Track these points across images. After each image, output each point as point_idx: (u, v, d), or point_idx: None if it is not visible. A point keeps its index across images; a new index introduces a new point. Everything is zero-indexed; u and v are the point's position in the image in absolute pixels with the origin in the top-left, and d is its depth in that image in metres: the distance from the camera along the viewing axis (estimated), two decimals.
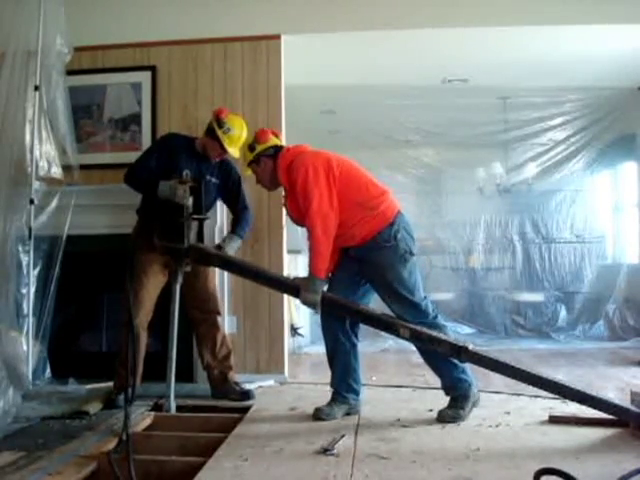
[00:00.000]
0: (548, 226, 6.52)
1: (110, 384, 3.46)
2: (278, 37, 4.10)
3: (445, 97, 5.66)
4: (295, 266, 5.15)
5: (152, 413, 3.05)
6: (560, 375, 3.83)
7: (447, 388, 2.96)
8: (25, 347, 3.51)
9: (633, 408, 2.58)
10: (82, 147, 4.07)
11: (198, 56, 4.15)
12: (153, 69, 4.15)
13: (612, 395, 3.22)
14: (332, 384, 3.04)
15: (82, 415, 3.02)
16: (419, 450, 2.41)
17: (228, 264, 3.23)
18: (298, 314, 5.46)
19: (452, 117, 5.95)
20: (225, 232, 3.99)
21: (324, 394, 3.11)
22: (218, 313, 3.55)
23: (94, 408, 3.12)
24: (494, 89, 5.66)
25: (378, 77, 5.22)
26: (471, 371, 2.95)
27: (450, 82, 5.43)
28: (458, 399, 2.90)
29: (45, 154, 3.67)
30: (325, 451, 2.38)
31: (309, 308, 3.06)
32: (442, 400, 2.96)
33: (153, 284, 3.34)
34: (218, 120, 3.32)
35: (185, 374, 3.77)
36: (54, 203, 3.77)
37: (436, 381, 3.07)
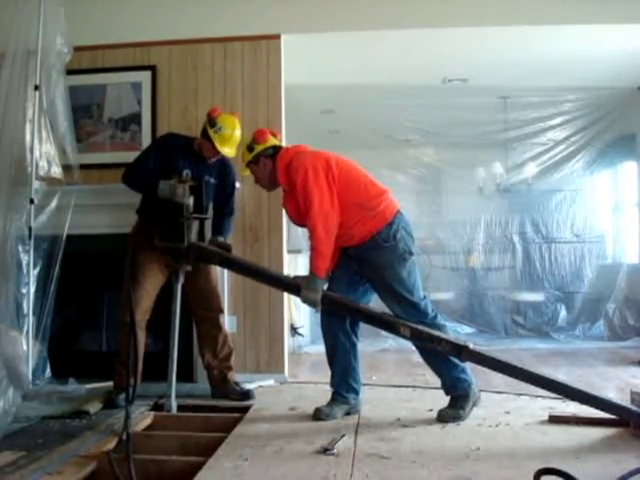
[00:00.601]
0: (548, 226, 6.51)
1: (110, 384, 3.47)
2: (278, 37, 4.10)
3: (445, 97, 5.66)
4: (295, 266, 5.15)
5: (152, 413, 3.05)
6: (560, 375, 3.83)
7: (447, 388, 2.96)
8: (25, 347, 3.51)
9: (633, 408, 2.59)
10: (82, 147, 4.07)
11: (198, 56, 4.15)
12: (153, 69, 4.15)
13: (612, 395, 3.22)
14: (332, 384, 3.04)
15: (82, 415, 3.02)
16: (419, 450, 2.41)
17: (229, 262, 3.23)
18: (298, 314, 5.46)
19: (452, 117, 5.94)
20: None
21: (324, 394, 3.11)
22: (221, 311, 3.55)
23: (94, 408, 3.12)
24: (494, 89, 5.66)
25: (378, 77, 5.22)
26: (471, 371, 2.95)
27: (450, 82, 5.43)
28: (458, 399, 2.90)
29: (45, 154, 3.67)
30: (325, 451, 2.38)
31: (309, 307, 3.06)
32: (442, 400, 2.96)
33: (151, 283, 3.33)
34: (210, 119, 3.33)
35: (185, 374, 3.77)
36: (54, 203, 3.77)
37: (436, 381, 3.07)
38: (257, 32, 4.09)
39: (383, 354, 5.18)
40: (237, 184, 3.82)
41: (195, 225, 3.14)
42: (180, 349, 3.13)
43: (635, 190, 6.08)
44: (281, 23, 4.10)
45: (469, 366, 2.92)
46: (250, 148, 3.12)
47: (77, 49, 3.86)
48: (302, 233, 5.79)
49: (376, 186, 3.01)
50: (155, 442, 2.64)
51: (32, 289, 3.64)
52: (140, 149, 3.83)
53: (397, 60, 4.86)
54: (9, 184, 3.61)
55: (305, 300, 2.92)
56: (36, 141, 3.62)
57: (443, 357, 2.87)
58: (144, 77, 4.15)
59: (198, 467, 2.22)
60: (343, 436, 2.58)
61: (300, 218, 3.01)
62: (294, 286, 2.98)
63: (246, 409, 3.14)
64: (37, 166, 3.63)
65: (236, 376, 3.57)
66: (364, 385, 3.16)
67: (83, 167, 3.92)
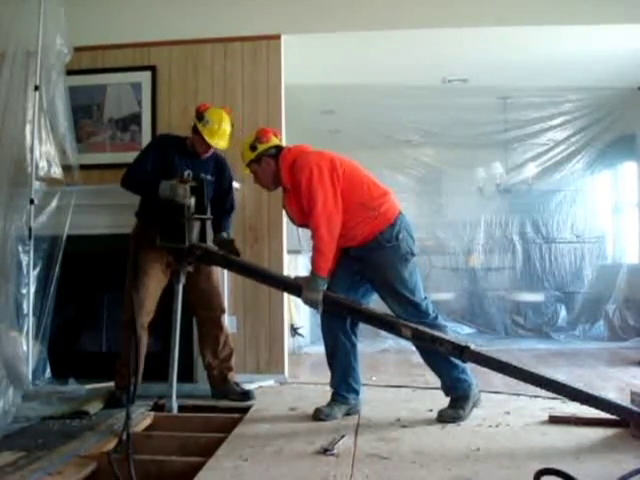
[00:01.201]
0: (548, 226, 6.51)
1: (110, 384, 3.47)
2: (278, 37, 4.10)
3: (445, 97, 5.66)
4: (295, 266, 5.15)
5: (152, 413, 3.05)
6: (560, 375, 3.82)
7: (447, 388, 2.96)
8: (25, 347, 3.51)
9: (633, 408, 2.58)
10: (82, 147, 4.07)
11: (198, 56, 4.15)
12: (153, 69, 4.15)
13: (612, 395, 3.22)
14: (332, 384, 3.04)
15: (82, 415, 3.02)
16: (419, 450, 2.41)
17: (230, 263, 3.23)
18: (298, 314, 5.46)
19: (452, 117, 5.94)
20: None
21: (324, 394, 3.11)
22: (223, 311, 3.55)
23: (94, 408, 3.12)
24: (494, 89, 5.66)
25: (378, 77, 5.22)
26: (471, 371, 2.95)
27: (450, 82, 5.43)
28: (458, 399, 2.90)
29: (45, 154, 3.67)
30: (325, 451, 2.38)
31: (310, 307, 3.06)
32: (442, 400, 2.96)
33: (154, 284, 3.33)
34: (198, 114, 3.36)
35: (185, 374, 3.76)
36: (54, 203, 3.77)
37: (436, 381, 3.07)
38: (257, 32, 4.09)
39: (383, 354, 5.18)
40: (236, 183, 3.83)
41: (196, 225, 3.15)
42: (180, 349, 3.13)
43: (635, 190, 6.08)
44: (281, 23, 4.10)
45: (469, 367, 2.92)
46: (253, 147, 3.11)
47: (77, 49, 3.86)
48: (302, 233, 5.81)
49: (378, 187, 3.01)
50: (155, 442, 2.64)
51: (32, 289, 3.64)
52: (140, 149, 3.83)
53: (397, 60, 4.86)
54: (9, 184, 3.61)
55: (306, 301, 2.92)
56: (36, 141, 3.62)
57: (443, 357, 2.87)
58: (144, 77, 4.15)
59: (198, 467, 2.22)
60: (343, 436, 2.58)
61: (302, 218, 3.00)
62: (295, 287, 2.98)
63: (246, 409, 3.14)
64: (37, 166, 3.63)
65: (236, 376, 3.57)
66: (364, 385, 3.16)
67: (83, 167, 3.92)
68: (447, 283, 6.62)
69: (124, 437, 2.40)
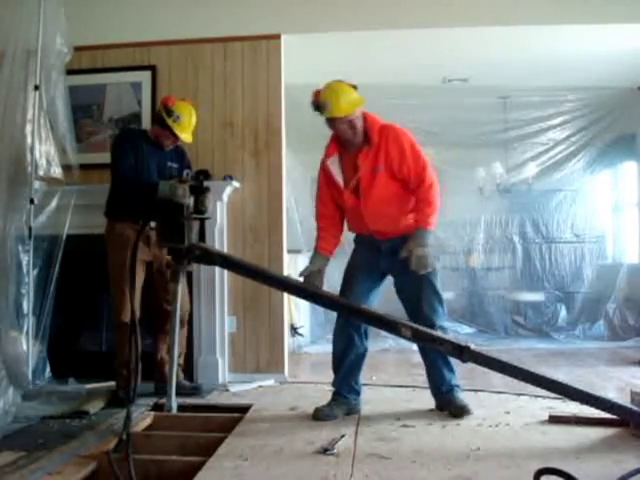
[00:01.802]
0: (548, 226, 6.51)
1: (110, 384, 3.46)
2: (278, 37, 4.10)
3: (445, 97, 5.66)
4: (295, 266, 5.14)
5: (152, 413, 3.05)
6: (560, 375, 3.83)
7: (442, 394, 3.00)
8: (25, 347, 3.51)
9: (634, 408, 2.58)
10: (82, 147, 4.07)
11: (198, 56, 4.16)
12: (153, 69, 4.15)
13: (612, 395, 3.22)
14: (334, 384, 3.04)
15: (82, 415, 3.02)
16: (419, 450, 2.41)
17: (229, 263, 3.23)
18: (298, 314, 5.46)
19: (452, 117, 5.93)
20: (225, 232, 4.00)
21: (324, 394, 3.11)
22: (188, 309, 3.65)
23: (94, 408, 3.12)
24: (494, 89, 5.66)
25: (378, 77, 5.20)
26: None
27: (450, 82, 5.43)
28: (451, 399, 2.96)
29: (45, 154, 3.67)
30: (325, 451, 2.38)
31: (424, 268, 2.83)
32: None
33: (139, 282, 3.37)
34: (166, 109, 3.41)
35: (185, 374, 3.76)
36: (54, 203, 3.77)
37: None
38: (257, 32, 4.09)
39: (383, 354, 5.17)
40: (236, 183, 3.85)
41: (195, 225, 3.15)
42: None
43: (635, 190, 6.08)
44: (281, 23, 4.10)
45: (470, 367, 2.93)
46: (352, 99, 2.99)
47: (77, 49, 3.85)
48: (301, 232, 5.81)
49: None
50: (155, 442, 2.64)
51: (32, 289, 3.64)
52: None
53: (397, 60, 4.86)
54: (9, 184, 3.60)
55: (424, 258, 2.80)
56: (36, 141, 3.62)
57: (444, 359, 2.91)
58: (144, 77, 4.15)
59: (198, 467, 2.22)
60: (343, 436, 2.58)
61: (371, 181, 2.91)
62: (294, 286, 2.98)
63: (246, 409, 3.14)
64: (37, 166, 3.62)
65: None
66: (364, 385, 3.16)
67: (83, 167, 3.92)
68: (447, 283, 6.54)
69: (124, 437, 2.40)
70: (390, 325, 2.89)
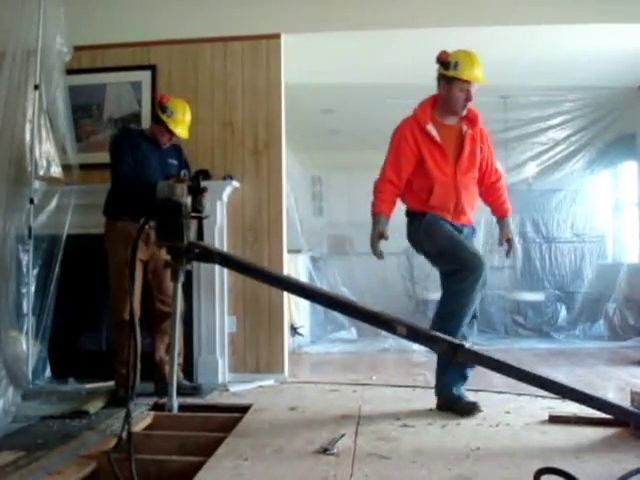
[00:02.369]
0: (548, 225, 6.52)
1: (110, 384, 3.46)
2: (278, 37, 4.10)
3: None
4: (295, 266, 5.15)
5: (152, 413, 3.05)
6: (560, 375, 3.83)
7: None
8: (25, 347, 3.51)
9: (632, 408, 2.58)
10: (82, 146, 4.08)
11: (198, 55, 4.16)
12: (153, 68, 4.15)
13: (612, 395, 3.23)
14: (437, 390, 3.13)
15: (82, 415, 3.02)
16: (419, 450, 2.41)
17: (228, 261, 3.23)
18: (298, 314, 5.46)
19: None
20: (225, 232, 4.00)
21: (324, 394, 3.11)
22: (182, 309, 3.59)
23: (94, 407, 3.12)
24: (494, 88, 5.64)
25: (378, 76, 5.21)
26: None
27: None
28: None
29: (45, 153, 3.67)
30: (325, 451, 2.37)
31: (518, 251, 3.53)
32: None
33: (139, 280, 3.39)
34: (161, 106, 3.48)
35: (185, 374, 3.77)
36: (54, 203, 3.78)
37: None
38: (257, 32, 4.09)
39: (383, 354, 5.18)
40: (236, 183, 3.85)
41: (194, 224, 3.15)
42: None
43: (635, 190, 6.08)
44: (281, 23, 4.10)
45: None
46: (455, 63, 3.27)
47: (77, 49, 3.86)
48: (301, 233, 5.81)
49: None
50: (155, 442, 2.63)
51: (32, 289, 3.64)
52: None
53: (397, 59, 4.85)
54: (9, 184, 3.61)
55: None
56: (36, 141, 3.62)
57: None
58: (144, 77, 4.15)
59: (198, 467, 2.21)
60: (343, 436, 2.58)
61: (471, 165, 3.15)
62: (294, 286, 2.98)
63: (246, 409, 3.14)
64: (37, 166, 3.63)
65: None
66: (364, 385, 3.16)
67: (83, 167, 3.93)
68: None
69: (124, 436, 2.40)
70: (386, 323, 2.88)
